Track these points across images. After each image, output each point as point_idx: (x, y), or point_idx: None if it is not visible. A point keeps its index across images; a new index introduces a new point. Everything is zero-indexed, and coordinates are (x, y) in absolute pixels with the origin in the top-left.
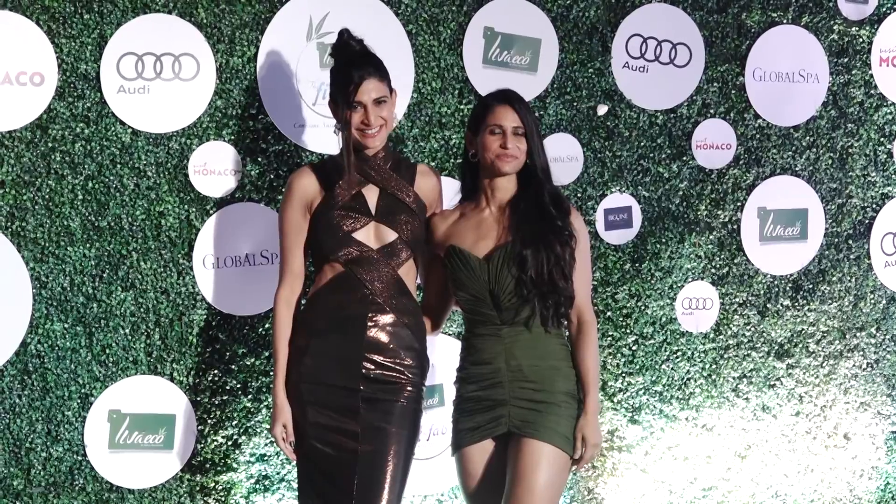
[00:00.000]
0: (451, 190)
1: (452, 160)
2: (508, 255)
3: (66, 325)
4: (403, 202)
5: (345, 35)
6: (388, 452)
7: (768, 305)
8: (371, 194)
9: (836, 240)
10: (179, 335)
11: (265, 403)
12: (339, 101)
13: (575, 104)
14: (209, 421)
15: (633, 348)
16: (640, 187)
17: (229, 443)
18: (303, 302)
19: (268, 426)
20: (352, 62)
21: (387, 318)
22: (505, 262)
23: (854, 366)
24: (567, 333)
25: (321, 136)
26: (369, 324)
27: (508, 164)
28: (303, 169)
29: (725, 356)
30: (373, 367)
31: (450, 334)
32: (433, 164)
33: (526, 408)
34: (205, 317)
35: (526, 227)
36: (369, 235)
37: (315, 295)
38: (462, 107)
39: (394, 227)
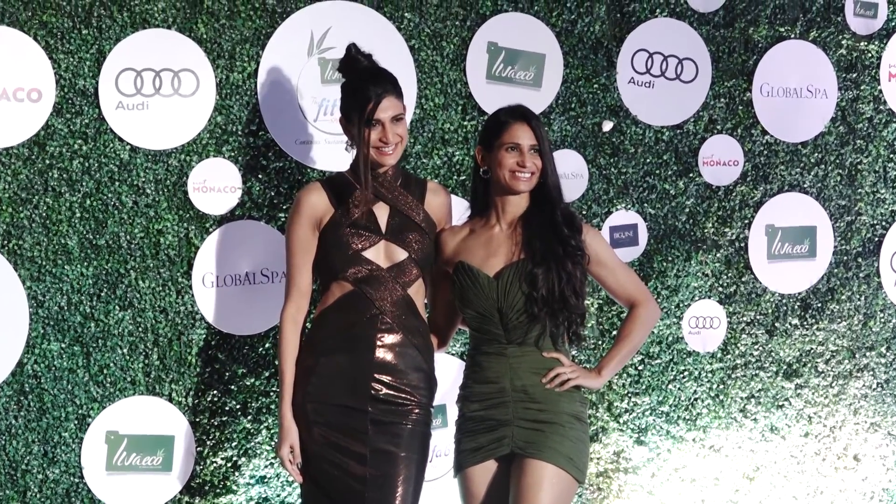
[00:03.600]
0: (454, 208)
1: (455, 177)
2: (519, 272)
3: (63, 345)
4: (413, 220)
5: (353, 50)
6: (398, 477)
7: (776, 324)
8: (381, 212)
9: (845, 258)
10: (178, 355)
11: (265, 424)
12: (354, 118)
13: (580, 120)
14: (208, 442)
15: (640, 368)
16: (645, 204)
17: (229, 465)
18: (309, 321)
19: (268, 447)
20: (368, 78)
21: (395, 338)
22: (515, 279)
23: (864, 386)
24: (572, 353)
25: (323, 153)
26: (378, 343)
27: (525, 182)
28: (312, 185)
29: (733, 376)
30: (381, 387)
31: (453, 354)
32: (438, 180)
33: (530, 428)
34: (204, 336)
35: (538, 245)
36: (379, 254)
37: (322, 314)
38: (465, 123)
39: (404, 245)
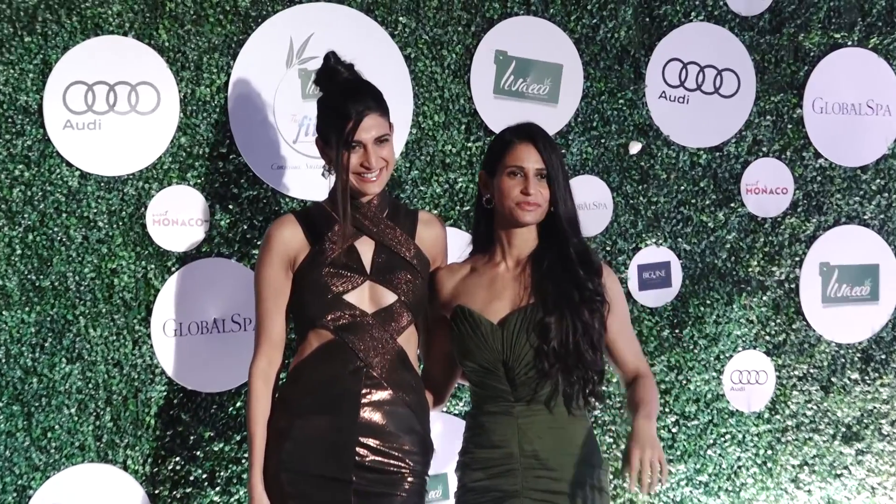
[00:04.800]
0: (456, 243)
1: (458, 207)
2: (527, 320)
3: (0, 404)
4: (403, 257)
5: (331, 59)
6: None
7: (833, 379)
8: (365, 248)
9: None
10: (135, 415)
11: (236, 497)
12: (331, 139)
13: (603, 141)
14: None
15: (674, 431)
16: (679, 239)
17: None
18: (283, 376)
19: None
20: (348, 93)
21: (384, 396)
22: (523, 328)
23: None
24: (591, 417)
25: (303, 180)
26: (363, 402)
27: (530, 213)
28: (284, 218)
29: (783, 440)
30: (368, 453)
31: (455, 413)
32: (436, 211)
33: (542, 500)
34: (165, 394)
35: (550, 288)
36: (363, 297)
37: (298, 368)
38: (470, 144)
39: (392, 287)
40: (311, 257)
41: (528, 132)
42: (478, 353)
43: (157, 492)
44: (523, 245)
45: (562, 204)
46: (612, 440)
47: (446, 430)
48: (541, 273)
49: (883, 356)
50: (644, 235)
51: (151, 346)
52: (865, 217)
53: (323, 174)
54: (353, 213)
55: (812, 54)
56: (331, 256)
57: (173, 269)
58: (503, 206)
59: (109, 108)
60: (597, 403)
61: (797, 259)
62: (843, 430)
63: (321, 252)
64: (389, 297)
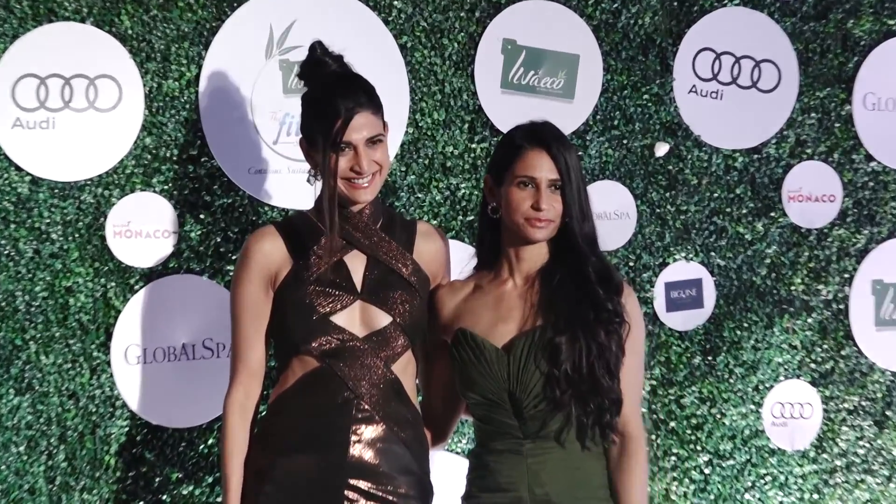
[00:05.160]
0: (458, 257)
1: (461, 217)
2: (537, 343)
3: None
4: (399, 274)
5: (317, 50)
6: None
7: (888, 413)
8: (356, 264)
9: None
10: (92, 454)
11: None
12: (317, 140)
13: (625, 142)
14: None
15: (706, 472)
16: (713, 253)
17: None
18: (262, 409)
19: None
20: (336, 88)
21: (377, 431)
22: (531, 353)
23: None
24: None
25: (285, 185)
26: (353, 438)
27: (541, 230)
28: (264, 229)
29: (831, 482)
30: (358, 497)
31: (458, 452)
32: (435, 221)
33: None
34: (127, 429)
35: (562, 308)
36: (353, 319)
37: (280, 399)
38: (473, 145)
39: (386, 307)
40: (295, 274)
41: (540, 136)
42: (481, 383)
43: None
44: (534, 260)
45: (577, 218)
46: None
47: (448, 471)
48: (552, 291)
49: None
50: (672, 249)
51: (111, 375)
52: None
53: (308, 180)
54: (342, 223)
55: (862, 43)
56: (316, 273)
57: (137, 287)
58: (511, 219)
59: (64, 104)
60: (614, 437)
61: (846, 276)
62: None
63: (306, 268)
64: (383, 319)
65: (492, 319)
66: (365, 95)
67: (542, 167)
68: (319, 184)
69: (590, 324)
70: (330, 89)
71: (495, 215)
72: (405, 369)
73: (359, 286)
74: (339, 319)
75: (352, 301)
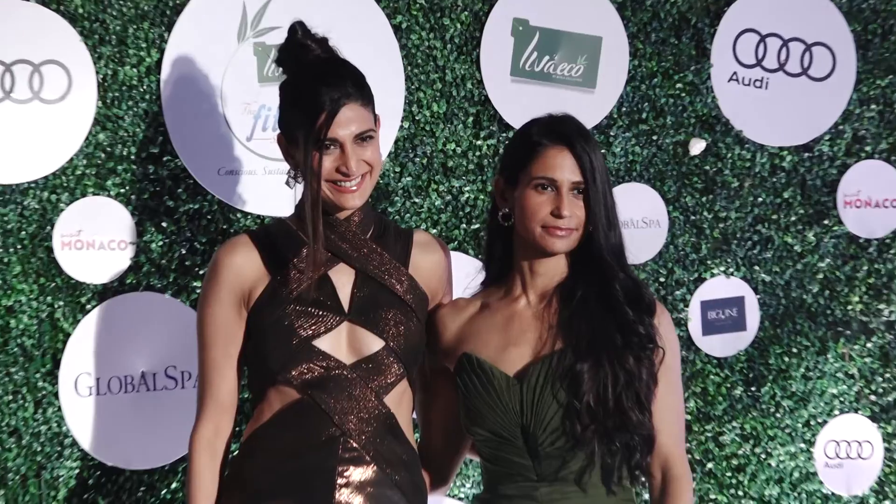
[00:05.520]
0: (463, 272)
1: (465, 225)
2: (554, 371)
3: None
4: (392, 291)
5: (298, 32)
6: None
7: None
8: (343, 280)
9: None
10: (37, 500)
11: None
12: (298, 136)
13: (655, 138)
14: None
15: None
16: (756, 267)
17: None
18: (234, 447)
19: None
20: (320, 77)
21: (367, 474)
22: (548, 381)
23: None
24: (640, 496)
25: (261, 189)
26: (339, 481)
27: (561, 239)
28: (236, 240)
29: None
30: None
31: (461, 498)
32: (435, 230)
33: None
34: (77, 471)
35: (584, 329)
36: (340, 344)
37: (255, 436)
38: (479, 142)
39: (377, 330)
40: (272, 291)
41: (562, 131)
42: (489, 417)
43: None
44: (551, 274)
45: (603, 227)
46: None
47: None
48: (573, 310)
49: None
50: (710, 262)
51: (59, 408)
52: None
53: (287, 182)
54: (327, 232)
55: None
56: (297, 290)
57: (88, 306)
58: (526, 227)
59: (5, 94)
60: (644, 480)
61: None
62: None
63: (284, 284)
64: (374, 344)
65: (501, 343)
66: (353, 85)
67: (564, 167)
68: (300, 187)
69: (617, 348)
70: (313, 77)
71: (507, 223)
72: (400, 401)
73: (346, 305)
74: (322, 344)
75: (338, 322)
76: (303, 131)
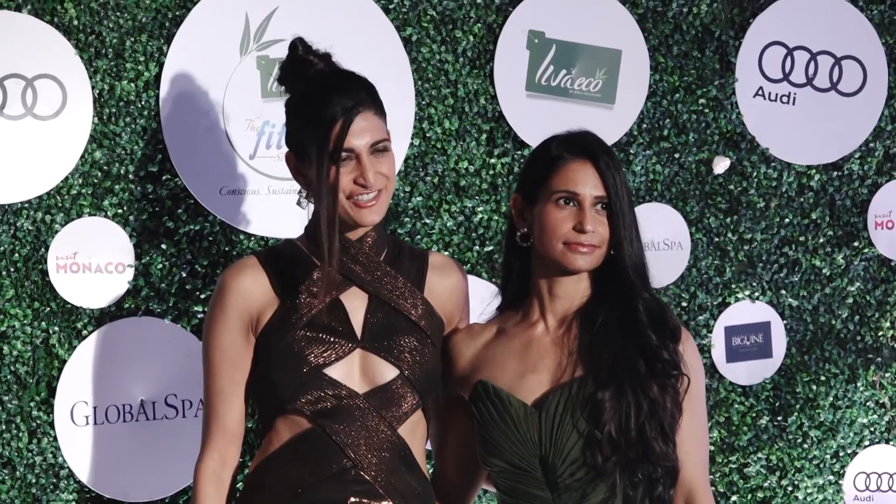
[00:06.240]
0: (478, 295)
1: (478, 246)
2: (574, 399)
3: None
4: (407, 317)
5: (298, 48)
6: None
7: None
8: (355, 304)
9: None
10: None
11: None
12: (309, 150)
13: (676, 156)
14: None
15: None
16: (783, 292)
17: None
18: (241, 479)
19: None
20: (329, 86)
21: None
22: (568, 410)
23: None
24: None
25: (265, 209)
26: None
27: (584, 256)
28: (244, 262)
29: None
30: None
31: None
32: (447, 253)
33: None
34: None
35: (605, 356)
36: (352, 372)
37: (263, 468)
38: (493, 160)
39: (392, 357)
40: (281, 316)
41: (583, 145)
42: (507, 447)
43: None
44: (571, 297)
45: (626, 243)
46: None
47: None
48: (593, 336)
49: None
50: (734, 286)
51: (55, 438)
52: None
53: (299, 202)
54: (340, 253)
55: None
56: (308, 315)
57: (85, 332)
58: (547, 245)
59: None
60: None
61: None
62: None
63: (295, 309)
64: (388, 372)
65: (519, 370)
66: (366, 92)
67: (587, 182)
68: (311, 206)
69: (640, 376)
70: (322, 88)
71: (525, 243)
72: (414, 432)
73: (359, 332)
74: (334, 372)
75: (350, 350)
76: (315, 145)
